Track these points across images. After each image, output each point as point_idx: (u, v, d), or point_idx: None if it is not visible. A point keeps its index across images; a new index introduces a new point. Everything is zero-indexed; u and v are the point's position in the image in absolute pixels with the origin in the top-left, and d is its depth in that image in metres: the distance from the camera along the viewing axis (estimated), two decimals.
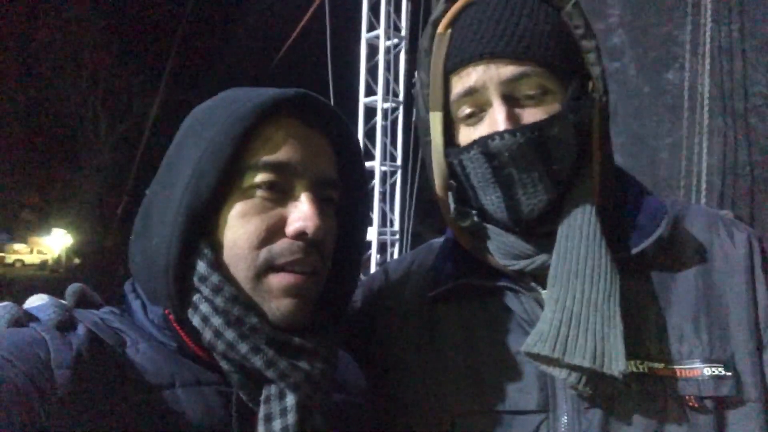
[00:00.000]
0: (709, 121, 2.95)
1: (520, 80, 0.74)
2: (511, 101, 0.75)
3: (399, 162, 6.97)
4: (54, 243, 27.93)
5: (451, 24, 0.79)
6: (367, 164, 6.94)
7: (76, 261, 24.23)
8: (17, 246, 29.18)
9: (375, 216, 6.64)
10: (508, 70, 0.74)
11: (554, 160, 0.75)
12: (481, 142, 0.75)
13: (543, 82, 0.75)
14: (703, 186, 2.93)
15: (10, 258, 27.83)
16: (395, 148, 6.94)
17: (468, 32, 0.77)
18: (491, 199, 0.78)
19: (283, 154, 0.67)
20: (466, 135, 0.79)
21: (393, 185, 6.93)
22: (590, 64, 0.79)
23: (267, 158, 0.66)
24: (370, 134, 6.80)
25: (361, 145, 7.64)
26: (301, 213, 0.66)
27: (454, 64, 0.77)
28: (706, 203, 2.97)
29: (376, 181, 6.67)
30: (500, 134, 0.73)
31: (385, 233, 6.74)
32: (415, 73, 0.86)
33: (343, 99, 6.99)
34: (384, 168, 6.77)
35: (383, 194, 6.74)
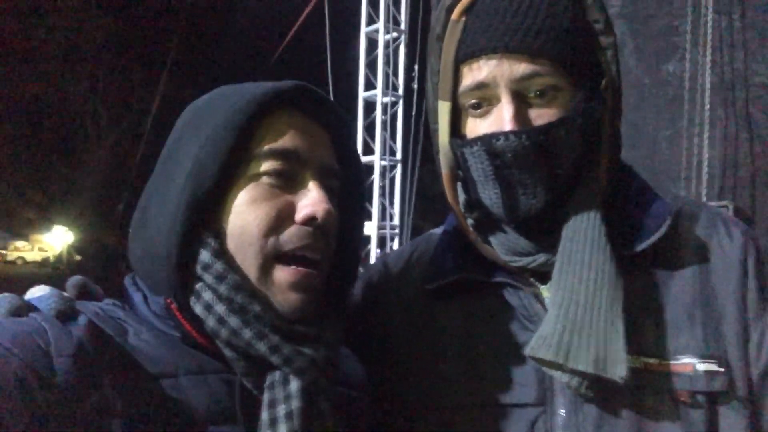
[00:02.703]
0: (709, 112, 2.93)
1: (532, 78, 0.72)
2: (520, 98, 0.73)
3: (399, 156, 6.95)
4: (55, 240, 28.01)
5: (466, 11, 0.76)
6: (367, 159, 6.95)
7: (78, 258, 24.31)
8: (18, 243, 29.27)
9: (375, 210, 6.63)
10: (520, 68, 0.72)
11: (557, 163, 0.74)
12: (486, 140, 0.73)
13: (555, 81, 0.73)
14: (704, 177, 2.92)
15: (11, 255, 27.94)
16: (395, 142, 6.92)
17: (482, 22, 0.74)
18: (489, 195, 0.78)
19: (289, 142, 0.67)
20: (472, 127, 0.77)
21: (392, 179, 6.92)
22: (606, 61, 0.77)
23: (274, 146, 0.66)
24: (369, 128, 6.79)
25: (361, 139, 7.57)
26: (310, 199, 0.67)
27: (466, 54, 0.75)
28: (707, 195, 2.97)
29: (376, 176, 6.66)
30: (505, 135, 0.72)
31: (384, 227, 6.73)
32: (424, 60, 0.85)
33: (342, 93, 6.97)
34: (384, 162, 6.76)
35: (383, 188, 6.73)
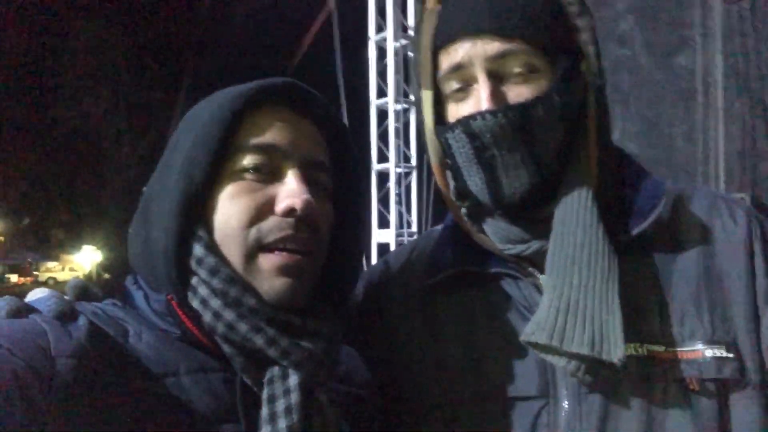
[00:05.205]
0: (724, 104, 2.86)
1: (506, 57, 0.73)
2: (497, 78, 0.74)
3: (414, 163, 6.95)
4: (84, 260, 28.67)
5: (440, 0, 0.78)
6: (382, 166, 6.98)
7: (106, 276, 24.81)
8: (50, 264, 30.06)
9: (392, 218, 6.62)
10: (494, 47, 0.72)
11: (537, 143, 0.73)
12: (464, 122, 0.74)
13: (530, 60, 0.73)
14: (721, 172, 2.84)
15: (43, 276, 28.63)
16: (409, 148, 6.92)
17: (456, 8, 0.76)
18: (475, 181, 0.78)
19: (269, 136, 0.69)
20: (454, 112, 0.78)
21: (408, 186, 6.91)
22: (584, 43, 0.77)
23: (253, 140, 0.68)
24: (383, 136, 6.80)
25: (375, 147, 7.52)
26: (289, 191, 0.67)
27: (442, 40, 0.76)
28: (726, 189, 2.88)
29: (392, 183, 6.66)
30: (482, 114, 0.72)
31: (402, 235, 6.72)
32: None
33: (354, 102, 7.01)
34: (399, 170, 6.76)
35: (399, 196, 6.72)
